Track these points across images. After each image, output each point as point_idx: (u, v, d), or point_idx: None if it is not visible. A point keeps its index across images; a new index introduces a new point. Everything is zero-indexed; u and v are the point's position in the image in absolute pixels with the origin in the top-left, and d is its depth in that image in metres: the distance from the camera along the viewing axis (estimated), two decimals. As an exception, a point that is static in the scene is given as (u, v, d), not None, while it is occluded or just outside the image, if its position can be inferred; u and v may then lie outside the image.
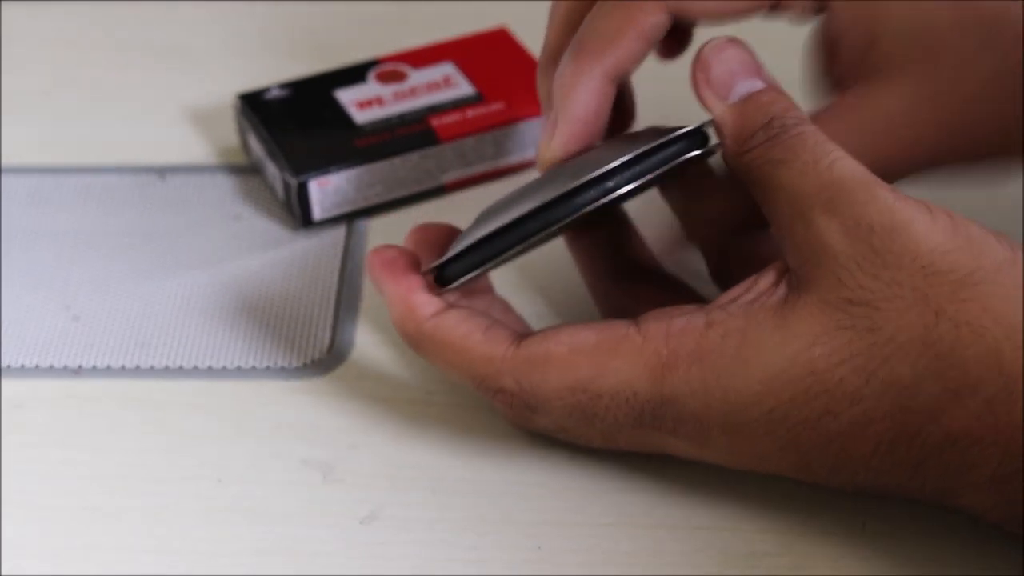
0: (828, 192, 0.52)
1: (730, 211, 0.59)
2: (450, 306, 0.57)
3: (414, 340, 0.57)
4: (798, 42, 0.62)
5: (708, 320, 0.53)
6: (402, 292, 0.57)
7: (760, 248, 0.58)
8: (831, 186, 0.52)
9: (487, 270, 0.57)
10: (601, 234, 0.61)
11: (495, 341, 0.56)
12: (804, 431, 0.52)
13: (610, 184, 0.55)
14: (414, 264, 0.58)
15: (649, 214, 0.63)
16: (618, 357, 0.54)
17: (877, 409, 0.51)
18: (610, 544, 0.56)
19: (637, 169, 0.55)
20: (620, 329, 0.54)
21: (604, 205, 0.55)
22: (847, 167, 0.52)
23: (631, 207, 0.63)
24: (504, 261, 0.57)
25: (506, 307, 0.60)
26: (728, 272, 0.58)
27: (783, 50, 0.61)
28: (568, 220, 0.55)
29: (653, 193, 0.61)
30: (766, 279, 0.53)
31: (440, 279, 0.58)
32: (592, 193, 0.55)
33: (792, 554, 0.55)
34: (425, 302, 0.57)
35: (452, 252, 0.57)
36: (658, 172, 0.55)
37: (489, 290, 0.61)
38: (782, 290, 0.52)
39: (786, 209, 0.52)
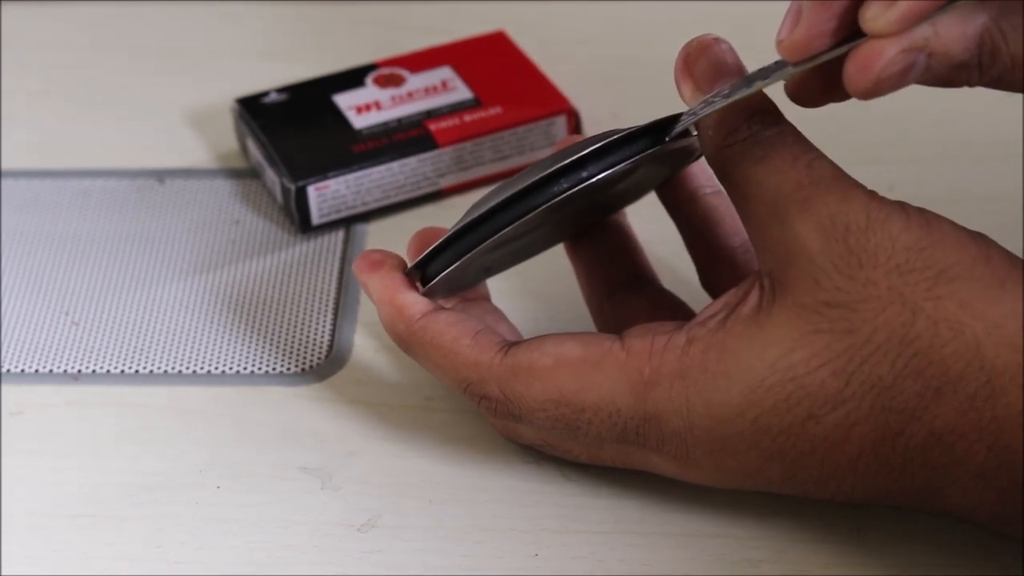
0: (804, 191, 0.51)
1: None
2: (440, 308, 0.57)
3: (404, 340, 0.58)
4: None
5: (688, 337, 0.53)
6: (390, 292, 0.58)
7: (751, 260, 0.59)
8: (808, 185, 0.51)
9: (466, 263, 0.57)
10: (601, 244, 0.61)
11: (483, 347, 0.56)
12: (788, 439, 0.52)
13: (583, 173, 0.54)
14: (401, 266, 0.59)
15: (650, 225, 0.64)
16: (601, 373, 0.54)
17: (859, 410, 0.51)
18: (606, 551, 0.56)
19: (611, 158, 0.54)
20: (604, 344, 0.54)
21: (582, 195, 0.55)
22: (824, 166, 0.52)
23: (632, 218, 0.63)
24: (485, 254, 0.56)
25: (500, 316, 0.61)
26: (719, 282, 0.58)
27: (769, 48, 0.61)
28: (543, 208, 0.54)
29: (654, 203, 0.62)
30: (741, 290, 0.53)
31: (424, 279, 0.58)
32: (564, 182, 0.55)
33: (786, 561, 0.55)
34: (413, 301, 0.57)
35: (431, 248, 0.57)
36: (632, 160, 0.54)
37: (485, 298, 0.61)
38: (755, 297, 0.52)
39: (762, 208, 0.52)
